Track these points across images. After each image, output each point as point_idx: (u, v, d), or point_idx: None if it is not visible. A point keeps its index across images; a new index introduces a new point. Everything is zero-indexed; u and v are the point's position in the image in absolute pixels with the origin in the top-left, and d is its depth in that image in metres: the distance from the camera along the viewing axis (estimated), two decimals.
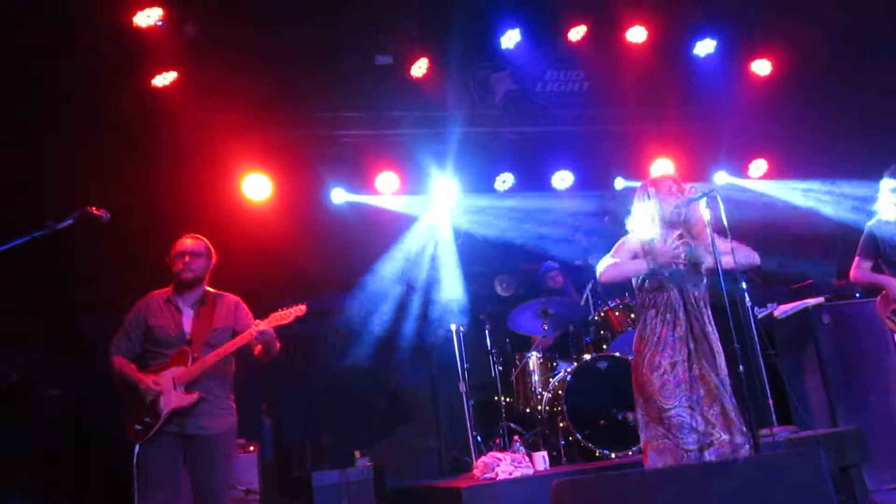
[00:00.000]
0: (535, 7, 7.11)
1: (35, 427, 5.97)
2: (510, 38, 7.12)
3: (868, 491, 5.33)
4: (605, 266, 4.26)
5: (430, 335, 7.74)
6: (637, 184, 4.57)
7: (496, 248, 8.15)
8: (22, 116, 5.96)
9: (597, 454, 5.91)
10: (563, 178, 8.23)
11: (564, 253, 8.03)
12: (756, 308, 6.56)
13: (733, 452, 3.91)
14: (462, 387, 6.38)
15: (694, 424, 3.97)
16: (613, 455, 5.88)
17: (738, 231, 4.29)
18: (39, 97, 5.90)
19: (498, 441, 6.45)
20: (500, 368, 6.74)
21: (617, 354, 6.27)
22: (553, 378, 6.50)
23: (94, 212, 3.76)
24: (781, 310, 6.43)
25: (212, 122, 6.36)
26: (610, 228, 6.91)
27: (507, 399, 6.77)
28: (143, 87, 6.25)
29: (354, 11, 6.58)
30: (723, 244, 4.08)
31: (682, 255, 4.16)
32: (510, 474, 5.15)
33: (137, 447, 3.98)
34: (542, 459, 5.56)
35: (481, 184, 7.99)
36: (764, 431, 4.98)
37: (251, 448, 6.04)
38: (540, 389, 6.54)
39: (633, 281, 4.35)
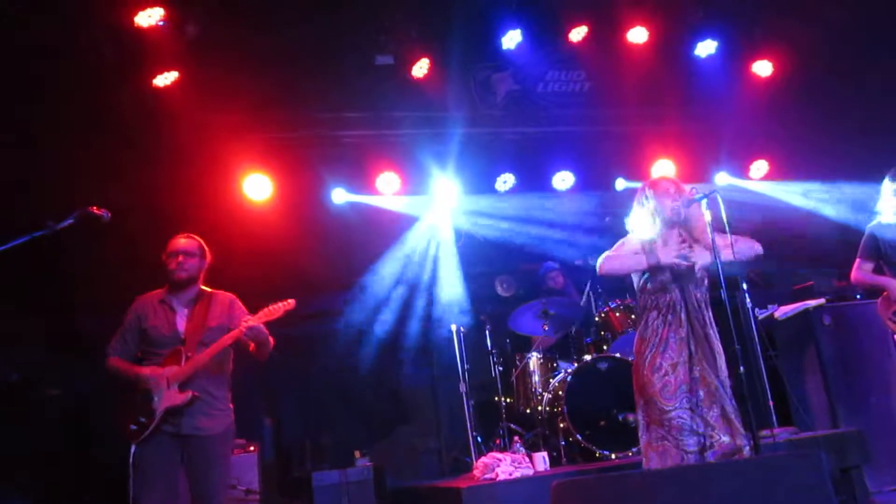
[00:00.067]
0: (535, 7, 7.10)
1: (35, 427, 5.97)
2: (511, 39, 7.11)
3: (869, 492, 5.34)
4: (605, 258, 4.27)
5: (431, 335, 7.74)
6: (638, 184, 4.58)
7: (497, 249, 8.15)
8: (22, 116, 5.96)
9: (597, 455, 5.90)
10: (563, 179, 8.23)
11: (565, 253, 8.02)
12: (757, 309, 6.56)
13: (734, 454, 3.91)
14: (462, 387, 6.37)
15: (694, 426, 3.97)
16: (613, 456, 5.88)
17: (739, 232, 4.30)
18: (39, 97, 5.90)
19: (498, 441, 6.45)
20: (501, 369, 6.74)
21: (617, 355, 6.27)
22: (553, 379, 6.50)
23: (95, 212, 3.76)
24: (782, 311, 6.43)
25: (212, 123, 6.36)
26: (611, 229, 6.90)
27: (508, 399, 6.77)
28: (144, 87, 6.25)
29: (354, 11, 6.58)
30: (722, 239, 4.09)
31: (682, 259, 4.15)
32: (510, 475, 5.15)
33: (134, 447, 3.98)
34: (542, 460, 5.55)
35: (482, 184, 7.99)
36: (764, 433, 4.99)
37: (251, 448, 6.04)
38: (540, 390, 6.54)
39: (635, 282, 4.35)
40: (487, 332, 6.81)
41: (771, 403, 6.11)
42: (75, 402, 6.28)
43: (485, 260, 8.29)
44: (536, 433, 6.42)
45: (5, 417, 5.76)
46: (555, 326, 6.85)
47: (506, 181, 8.07)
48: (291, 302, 4.21)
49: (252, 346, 4.24)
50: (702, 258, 4.17)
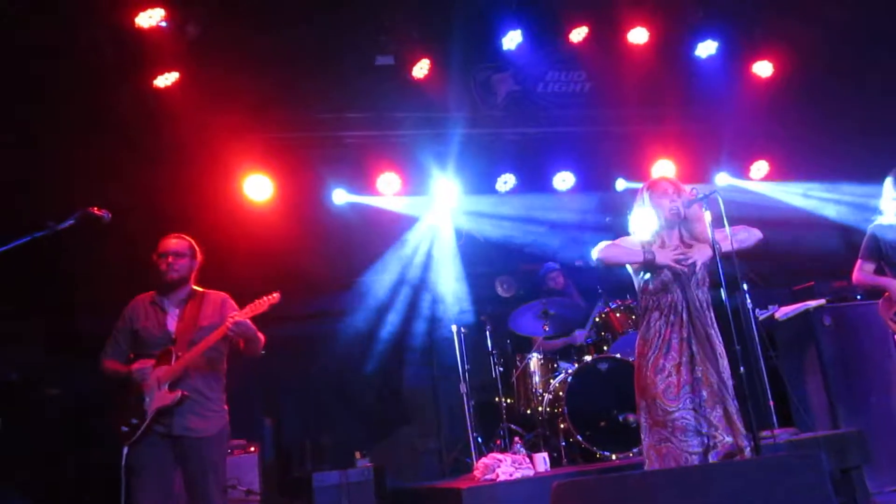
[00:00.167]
0: (536, 8, 7.09)
1: (35, 427, 5.97)
2: (511, 39, 7.10)
3: (869, 493, 5.33)
4: (603, 246, 4.24)
5: (432, 336, 7.74)
6: (638, 185, 4.58)
7: (497, 249, 8.15)
8: (22, 116, 5.96)
9: (597, 456, 5.90)
10: (564, 179, 8.22)
11: (565, 254, 8.03)
12: (757, 310, 6.56)
13: (736, 455, 3.90)
14: (463, 388, 6.36)
15: (699, 427, 3.96)
16: (614, 457, 5.88)
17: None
18: (40, 97, 5.90)
19: (498, 442, 6.45)
20: (501, 369, 6.73)
21: (618, 356, 6.27)
22: (554, 379, 6.50)
23: (96, 212, 3.77)
24: (782, 311, 6.43)
25: (213, 123, 6.35)
26: (611, 229, 6.90)
27: (508, 400, 6.77)
28: (145, 87, 6.25)
29: (355, 12, 6.57)
30: (720, 233, 4.10)
31: (680, 261, 4.15)
32: (511, 475, 5.14)
33: (125, 449, 3.97)
34: (542, 461, 5.55)
35: (483, 185, 7.99)
36: (765, 433, 4.98)
37: (251, 448, 6.04)
38: (540, 391, 6.54)
39: (636, 283, 4.34)
40: (488, 332, 6.81)
41: (771, 404, 6.10)
42: (75, 402, 6.28)
43: (485, 260, 8.29)
44: (537, 434, 6.42)
45: (5, 417, 5.76)
46: (555, 327, 6.85)
47: (506, 182, 8.07)
48: (276, 295, 4.19)
49: (241, 342, 4.24)
50: (703, 255, 4.16)
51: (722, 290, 4.05)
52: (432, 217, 7.95)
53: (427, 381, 8.02)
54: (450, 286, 7.79)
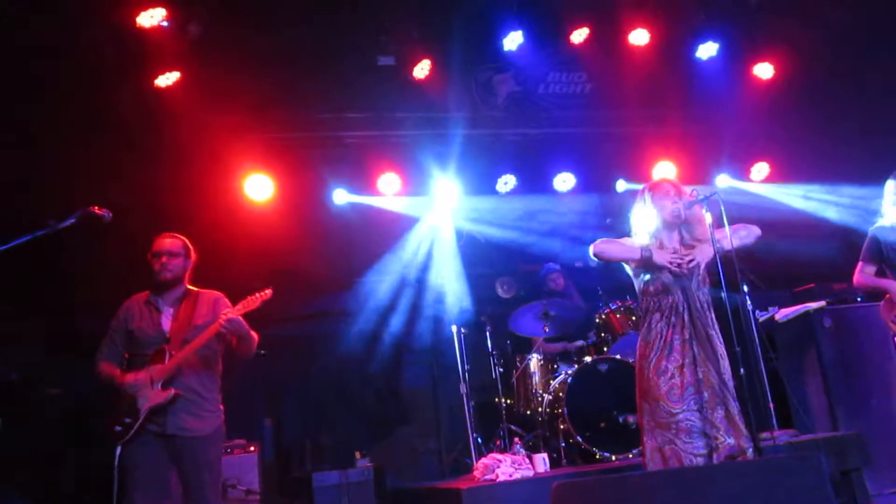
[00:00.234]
0: (537, 9, 7.08)
1: (35, 427, 5.97)
2: (512, 40, 7.10)
3: (869, 495, 5.32)
4: (601, 241, 4.26)
5: (431, 336, 7.74)
6: (638, 186, 4.58)
7: (498, 250, 8.16)
8: (22, 116, 5.96)
9: (597, 456, 5.90)
10: (564, 180, 8.22)
11: (566, 255, 8.03)
12: (757, 311, 6.56)
13: (737, 456, 3.90)
14: (463, 388, 6.36)
15: (704, 428, 3.95)
16: (614, 457, 5.87)
17: None
18: (40, 97, 5.90)
19: (498, 443, 6.45)
20: (501, 370, 6.73)
21: (618, 357, 6.27)
22: (554, 380, 6.50)
23: (97, 212, 3.77)
24: (783, 313, 6.42)
25: (214, 123, 6.36)
26: (611, 230, 6.90)
27: (508, 401, 6.77)
28: (145, 87, 6.25)
29: (355, 12, 6.58)
30: (720, 232, 4.11)
31: (681, 263, 4.15)
32: (510, 476, 5.14)
33: (119, 449, 3.96)
34: (542, 461, 5.55)
35: (483, 185, 7.99)
36: (765, 435, 4.98)
37: (251, 448, 6.04)
38: (540, 391, 6.54)
39: (637, 284, 4.34)
40: (488, 333, 6.81)
41: (771, 405, 6.10)
42: (75, 402, 6.27)
43: (485, 261, 8.29)
44: (537, 434, 6.42)
45: (5, 417, 5.76)
46: (555, 328, 6.85)
47: (507, 182, 8.07)
48: (268, 291, 4.18)
49: (234, 340, 4.23)
50: (705, 255, 4.17)
51: (722, 291, 4.05)
52: (433, 217, 7.95)
53: (427, 381, 8.02)
54: (450, 286, 7.79)
